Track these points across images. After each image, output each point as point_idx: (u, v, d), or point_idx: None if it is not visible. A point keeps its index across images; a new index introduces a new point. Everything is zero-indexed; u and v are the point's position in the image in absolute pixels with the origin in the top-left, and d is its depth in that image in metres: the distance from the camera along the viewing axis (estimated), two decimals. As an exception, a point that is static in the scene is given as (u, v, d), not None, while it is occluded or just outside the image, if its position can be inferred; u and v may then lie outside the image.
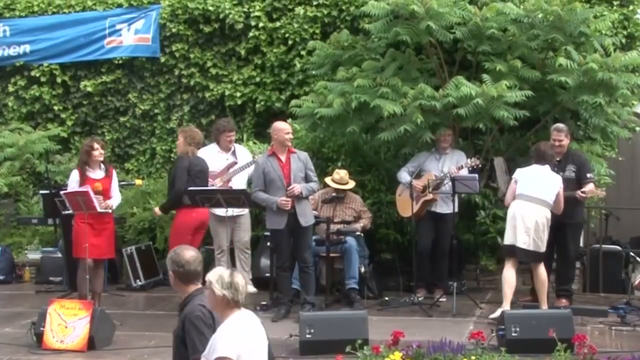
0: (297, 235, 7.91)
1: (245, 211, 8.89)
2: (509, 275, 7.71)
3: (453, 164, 8.50)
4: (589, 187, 8.01)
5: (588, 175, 8.09)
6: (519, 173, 7.87)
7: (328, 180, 8.80)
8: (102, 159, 8.04)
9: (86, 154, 7.96)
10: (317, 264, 8.83)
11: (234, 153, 9.06)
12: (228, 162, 8.97)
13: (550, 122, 8.70)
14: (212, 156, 8.99)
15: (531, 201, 7.70)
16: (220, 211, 8.57)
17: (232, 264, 9.16)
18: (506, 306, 7.55)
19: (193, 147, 8.37)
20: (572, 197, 7.91)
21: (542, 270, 7.74)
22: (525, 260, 7.86)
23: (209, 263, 9.51)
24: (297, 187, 7.81)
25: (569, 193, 7.92)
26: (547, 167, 7.84)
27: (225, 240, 8.89)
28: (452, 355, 6.12)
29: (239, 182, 8.85)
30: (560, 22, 8.52)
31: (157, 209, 8.63)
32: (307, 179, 7.94)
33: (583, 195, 7.92)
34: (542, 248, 7.69)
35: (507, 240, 7.76)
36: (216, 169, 8.91)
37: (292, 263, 8.14)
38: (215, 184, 8.82)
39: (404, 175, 8.63)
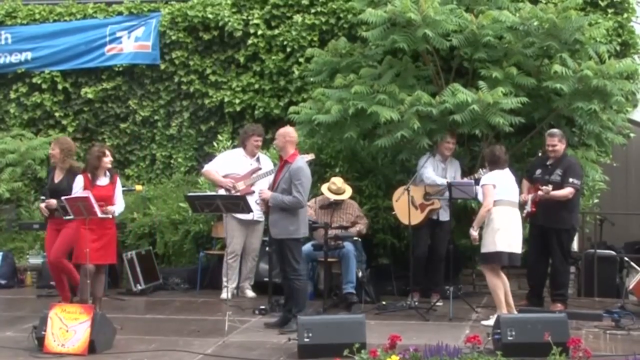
0: (276, 246, 7.80)
1: (262, 218, 8.98)
2: (501, 280, 7.75)
3: (453, 171, 8.61)
4: (565, 190, 8.05)
5: (570, 179, 8.09)
6: (495, 178, 7.76)
7: (324, 189, 8.87)
8: (110, 166, 8.12)
9: (97, 160, 8.02)
10: (315, 268, 8.93)
11: (258, 160, 9.20)
12: (252, 167, 9.09)
13: (546, 128, 8.77)
14: (237, 160, 9.16)
15: (514, 206, 7.80)
16: (243, 215, 8.64)
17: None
18: (505, 310, 7.62)
19: (70, 160, 8.31)
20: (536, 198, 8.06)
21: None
22: (516, 263, 7.87)
23: (207, 268, 9.64)
24: (265, 193, 7.70)
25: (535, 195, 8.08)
26: (507, 170, 7.91)
27: (240, 245, 8.99)
28: (448, 358, 6.16)
29: (258, 189, 8.86)
30: (556, 30, 8.61)
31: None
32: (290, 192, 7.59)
33: (540, 193, 8.00)
34: None
35: (505, 247, 7.64)
36: (240, 172, 9.04)
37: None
38: (238, 187, 8.92)
39: (436, 178, 8.53)
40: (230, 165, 9.15)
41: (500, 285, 7.74)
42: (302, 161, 7.69)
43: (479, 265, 8.12)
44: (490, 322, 7.49)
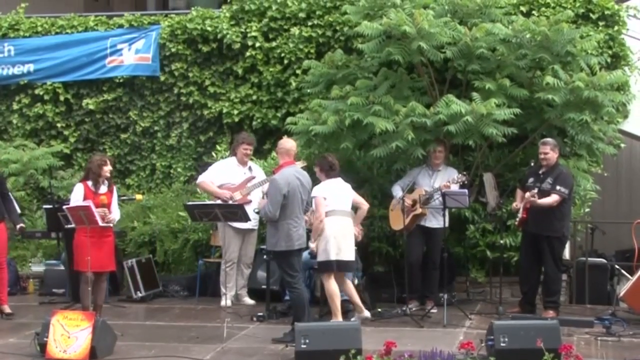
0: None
1: (256, 226, 9.14)
2: (337, 288, 7.92)
3: (445, 180, 8.65)
4: (550, 198, 8.19)
5: (557, 187, 8.22)
6: (326, 190, 7.95)
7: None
8: (109, 175, 8.26)
9: (99, 168, 8.16)
10: (312, 276, 9.03)
11: (250, 169, 9.30)
12: (246, 176, 9.19)
13: (538, 138, 8.85)
14: (231, 169, 9.25)
15: (346, 215, 8.00)
16: (238, 223, 8.79)
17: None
18: (340, 318, 7.85)
19: None
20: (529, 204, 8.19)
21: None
22: (347, 270, 8.09)
23: (206, 276, 9.75)
24: (261, 202, 7.78)
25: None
26: (340, 179, 8.12)
27: (237, 253, 9.10)
28: (442, 364, 6.30)
29: (255, 197, 9.01)
30: (548, 42, 8.71)
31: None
32: None
33: (527, 195, 8.14)
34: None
35: (334, 255, 7.82)
36: (235, 182, 9.15)
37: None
38: (234, 197, 9.03)
39: (397, 190, 8.84)
40: (224, 175, 9.23)
41: (337, 293, 7.92)
42: (281, 174, 7.56)
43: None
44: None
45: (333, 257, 7.86)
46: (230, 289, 9.14)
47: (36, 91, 11.34)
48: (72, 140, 11.34)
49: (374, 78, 9.24)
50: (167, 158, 11.13)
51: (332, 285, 7.89)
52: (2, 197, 8.72)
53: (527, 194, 8.18)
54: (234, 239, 9.08)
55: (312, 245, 8.07)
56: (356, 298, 8.07)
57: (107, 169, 8.22)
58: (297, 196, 7.50)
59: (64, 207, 8.26)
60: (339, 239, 7.90)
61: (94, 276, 8.09)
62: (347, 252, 7.95)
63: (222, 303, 8.97)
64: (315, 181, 8.10)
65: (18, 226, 8.83)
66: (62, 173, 11.10)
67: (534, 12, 9.74)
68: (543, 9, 9.79)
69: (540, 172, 8.43)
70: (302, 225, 7.65)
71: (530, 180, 8.48)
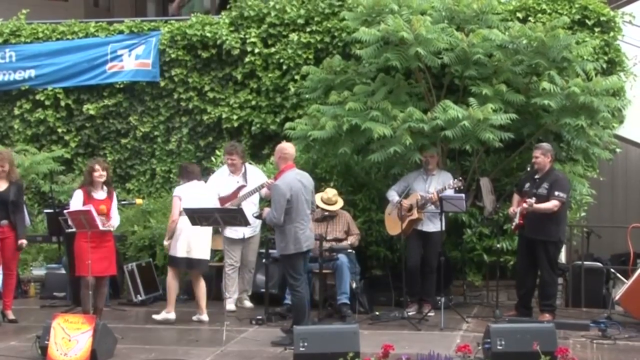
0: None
1: (257, 232, 9.17)
2: (175, 283, 8.57)
3: (439, 184, 8.70)
4: (551, 203, 8.24)
5: (556, 193, 8.26)
6: (182, 192, 8.52)
7: (317, 199, 9.04)
8: (102, 180, 8.27)
9: (89, 175, 8.25)
10: (310, 279, 9.09)
11: (244, 175, 9.25)
12: (238, 184, 9.15)
13: (534, 143, 8.92)
14: (223, 179, 9.22)
15: None
16: (232, 234, 8.84)
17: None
18: (172, 310, 8.50)
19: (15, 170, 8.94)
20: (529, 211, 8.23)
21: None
22: (200, 269, 8.61)
23: (206, 279, 9.78)
24: (264, 211, 7.84)
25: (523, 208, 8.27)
26: (202, 183, 8.64)
27: (238, 257, 9.14)
28: (440, 367, 6.35)
29: (249, 206, 8.93)
30: (544, 48, 8.79)
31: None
32: None
33: (525, 205, 8.20)
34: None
35: (181, 253, 8.36)
36: (226, 193, 9.10)
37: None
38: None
39: (392, 195, 8.91)
40: (217, 186, 9.14)
41: (174, 287, 8.55)
42: (283, 179, 7.57)
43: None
44: (160, 316, 8.53)
45: (180, 255, 8.33)
46: (233, 292, 9.18)
47: (37, 96, 11.39)
48: (72, 145, 11.38)
49: (372, 83, 9.31)
50: (167, 163, 11.19)
51: (172, 279, 8.51)
52: (15, 206, 8.66)
53: (524, 205, 8.23)
54: (233, 244, 9.12)
55: (165, 243, 8.56)
56: (203, 301, 8.61)
57: (97, 174, 8.23)
58: (301, 198, 7.53)
59: (65, 211, 8.31)
60: (190, 238, 8.31)
61: (95, 280, 8.14)
62: (197, 250, 8.42)
63: (227, 307, 8.97)
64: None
65: (19, 241, 8.69)
66: (63, 178, 11.13)
67: (530, 18, 9.81)
68: (539, 15, 9.86)
69: (536, 177, 8.48)
70: (308, 226, 7.69)
71: (527, 185, 8.54)
